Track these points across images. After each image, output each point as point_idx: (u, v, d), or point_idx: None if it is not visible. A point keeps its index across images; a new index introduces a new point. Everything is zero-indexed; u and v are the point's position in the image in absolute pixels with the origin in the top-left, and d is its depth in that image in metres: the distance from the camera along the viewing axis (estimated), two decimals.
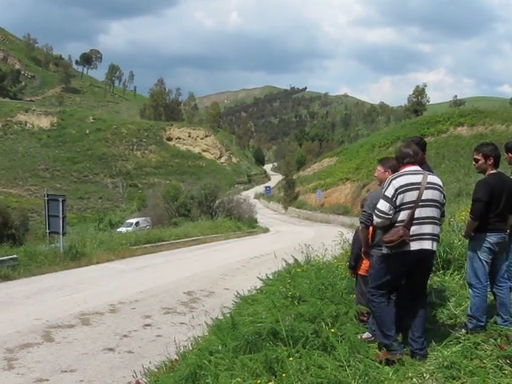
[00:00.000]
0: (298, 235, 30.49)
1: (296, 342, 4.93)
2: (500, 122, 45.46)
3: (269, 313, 5.98)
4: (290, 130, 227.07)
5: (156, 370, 6.46)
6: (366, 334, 5.25)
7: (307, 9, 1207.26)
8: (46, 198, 18.89)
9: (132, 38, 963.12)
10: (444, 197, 5.04)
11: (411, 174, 4.94)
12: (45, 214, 19.17)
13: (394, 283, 5.03)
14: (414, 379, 4.40)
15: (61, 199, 18.67)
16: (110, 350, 8.49)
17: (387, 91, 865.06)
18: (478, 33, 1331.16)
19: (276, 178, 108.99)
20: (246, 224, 39.28)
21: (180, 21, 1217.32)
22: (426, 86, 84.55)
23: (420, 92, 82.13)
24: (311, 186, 64.22)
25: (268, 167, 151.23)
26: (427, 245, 4.85)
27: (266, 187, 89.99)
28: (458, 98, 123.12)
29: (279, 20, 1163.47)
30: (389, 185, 4.91)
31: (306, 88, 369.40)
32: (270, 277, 9.75)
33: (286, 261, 9.99)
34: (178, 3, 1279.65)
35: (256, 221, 42.64)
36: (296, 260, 9.86)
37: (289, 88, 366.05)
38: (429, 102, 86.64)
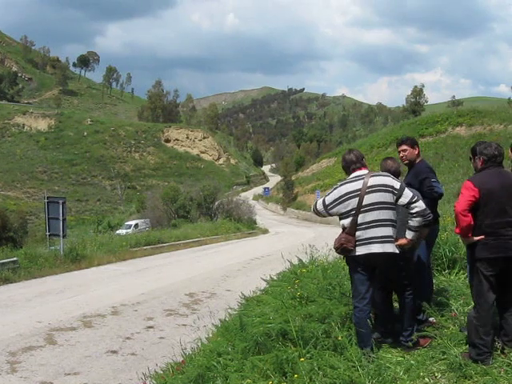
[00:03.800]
0: (298, 236, 30.45)
1: (306, 342, 4.88)
2: (498, 121, 45.59)
3: (277, 313, 5.93)
4: (288, 131, 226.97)
5: (162, 372, 6.40)
6: (376, 334, 5.21)
7: (304, 10, 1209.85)
8: (46, 201, 18.85)
9: (129, 40, 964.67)
10: (395, 194, 4.88)
11: (351, 182, 4.98)
12: (45, 217, 19.13)
13: (362, 288, 4.94)
14: (426, 379, 4.38)
15: (61, 201, 18.64)
16: (113, 352, 8.43)
17: (384, 92, 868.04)
18: (475, 33, 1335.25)
19: (274, 179, 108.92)
20: (246, 225, 39.24)
21: (177, 22, 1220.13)
22: (423, 86, 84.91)
23: (418, 92, 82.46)
24: (310, 187, 64.14)
25: (266, 168, 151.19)
26: (376, 248, 4.82)
27: (265, 188, 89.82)
28: (456, 98, 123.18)
29: (276, 21, 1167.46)
30: (332, 192, 5.05)
31: (303, 89, 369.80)
32: (274, 277, 9.69)
33: (290, 261, 9.94)
34: (175, 5, 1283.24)
35: (255, 222, 42.58)
36: (300, 260, 9.81)
37: (286, 89, 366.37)
38: (427, 102, 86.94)
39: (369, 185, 4.87)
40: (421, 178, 5.65)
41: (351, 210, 4.87)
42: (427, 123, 54.25)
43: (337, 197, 4.95)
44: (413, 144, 6.00)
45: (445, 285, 6.80)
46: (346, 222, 4.92)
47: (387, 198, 4.88)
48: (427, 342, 5.12)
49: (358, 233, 4.85)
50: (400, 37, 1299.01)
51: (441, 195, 5.64)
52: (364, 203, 4.84)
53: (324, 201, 5.05)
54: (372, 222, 4.84)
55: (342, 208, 4.92)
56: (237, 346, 5.32)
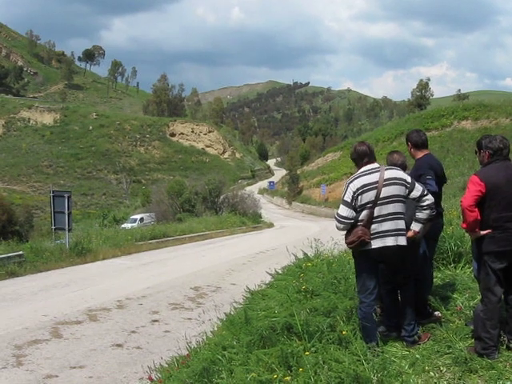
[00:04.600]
0: (303, 230, 30.43)
1: (311, 336, 4.88)
2: (504, 115, 45.35)
3: (282, 307, 5.94)
4: (293, 125, 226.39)
5: (167, 366, 6.42)
6: (382, 328, 5.20)
7: (309, 3, 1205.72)
8: (52, 195, 18.86)
9: (134, 34, 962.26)
10: (407, 188, 4.91)
11: (367, 175, 4.93)
12: (50, 211, 19.14)
13: (370, 283, 4.92)
14: (431, 373, 4.36)
15: (66, 195, 18.65)
16: (119, 346, 8.46)
17: (390, 85, 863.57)
18: (481, 26, 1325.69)
19: (280, 173, 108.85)
20: (251, 219, 39.23)
21: (182, 16, 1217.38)
22: (429, 80, 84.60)
23: (424, 86, 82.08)
24: (315, 181, 64.01)
25: (271, 162, 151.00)
26: (391, 241, 4.83)
27: (270, 182, 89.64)
28: (461, 92, 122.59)
29: (281, 15, 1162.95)
30: (346, 189, 4.95)
31: (308, 83, 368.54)
32: (280, 271, 9.69)
33: (295, 255, 9.93)
34: None
35: (260, 216, 42.58)
36: (305, 254, 9.80)
37: (292, 83, 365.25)
38: (432, 96, 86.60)
39: (386, 177, 4.87)
40: (418, 174, 5.63)
41: (368, 203, 4.84)
42: (433, 117, 54.02)
43: (354, 190, 4.88)
44: (406, 141, 5.95)
45: (450, 279, 6.76)
46: (362, 215, 4.88)
47: (401, 191, 4.89)
48: (428, 336, 5.11)
49: (373, 226, 4.84)
50: (405, 30, 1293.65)
51: (433, 194, 5.58)
52: (381, 196, 4.83)
53: (344, 200, 4.93)
54: (388, 214, 4.85)
55: (359, 200, 4.87)
56: (242, 340, 5.32)
